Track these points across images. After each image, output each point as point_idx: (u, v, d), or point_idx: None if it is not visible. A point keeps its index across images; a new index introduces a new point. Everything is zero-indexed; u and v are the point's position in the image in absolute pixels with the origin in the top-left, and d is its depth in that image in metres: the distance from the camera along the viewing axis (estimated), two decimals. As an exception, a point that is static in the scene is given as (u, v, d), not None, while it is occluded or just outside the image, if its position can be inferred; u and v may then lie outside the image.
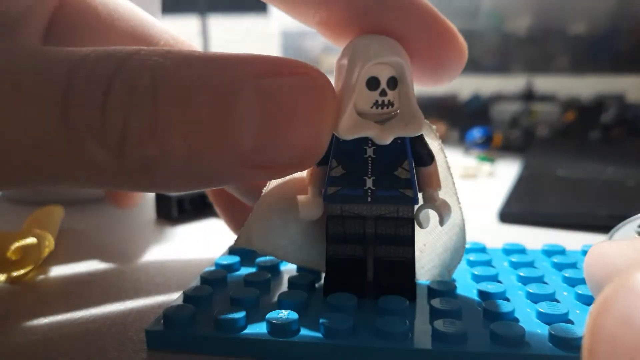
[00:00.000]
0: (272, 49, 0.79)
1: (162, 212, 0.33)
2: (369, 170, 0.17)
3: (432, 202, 0.18)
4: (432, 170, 0.17)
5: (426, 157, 0.17)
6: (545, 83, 0.72)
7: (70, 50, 0.14)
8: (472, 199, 0.38)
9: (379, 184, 0.17)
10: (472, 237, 0.24)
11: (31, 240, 0.23)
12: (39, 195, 0.36)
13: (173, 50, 0.14)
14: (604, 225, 0.28)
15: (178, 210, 0.32)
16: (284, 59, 0.14)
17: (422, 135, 0.17)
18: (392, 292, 0.18)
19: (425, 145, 0.17)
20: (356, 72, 0.16)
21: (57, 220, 0.28)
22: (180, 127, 0.13)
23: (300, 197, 0.18)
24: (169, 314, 0.17)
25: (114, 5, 0.22)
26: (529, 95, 0.59)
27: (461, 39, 0.18)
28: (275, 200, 0.19)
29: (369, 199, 0.17)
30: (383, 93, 0.16)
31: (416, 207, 0.18)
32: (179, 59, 0.14)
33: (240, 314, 0.16)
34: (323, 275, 0.19)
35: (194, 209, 0.33)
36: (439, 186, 0.18)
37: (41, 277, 0.23)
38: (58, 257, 0.26)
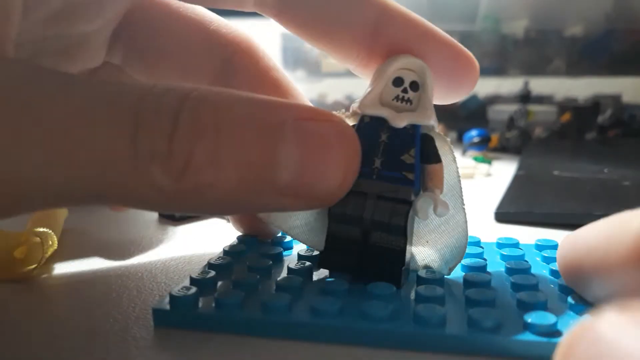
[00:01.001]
0: (272, 50, 0.79)
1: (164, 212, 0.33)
2: (380, 152, 0.19)
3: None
4: (437, 168, 0.19)
5: (432, 156, 0.19)
6: (542, 84, 0.72)
7: (136, 83, 0.16)
8: (469, 199, 0.38)
9: (386, 165, 0.19)
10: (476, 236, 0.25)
11: (35, 239, 0.24)
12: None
13: (226, 90, 0.16)
14: (600, 224, 0.28)
15: (180, 210, 0.32)
16: (320, 109, 0.17)
17: (432, 138, 0.19)
18: (380, 278, 0.19)
19: (434, 146, 0.19)
20: (387, 72, 0.19)
21: (60, 220, 0.28)
22: (235, 158, 0.15)
23: None
24: (175, 294, 0.18)
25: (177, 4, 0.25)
26: (525, 97, 0.60)
27: (476, 62, 0.21)
28: None
29: (374, 176, 0.19)
30: (405, 91, 0.19)
31: (415, 199, 0.19)
32: (234, 98, 0.16)
33: (240, 296, 0.18)
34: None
35: (195, 208, 0.33)
36: (441, 185, 0.19)
37: (45, 275, 0.23)
38: (62, 255, 0.26)
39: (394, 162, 0.19)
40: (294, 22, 0.22)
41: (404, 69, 0.19)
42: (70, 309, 0.20)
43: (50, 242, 0.25)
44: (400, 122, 0.19)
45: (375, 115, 0.19)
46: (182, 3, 0.24)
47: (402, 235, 0.19)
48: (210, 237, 0.29)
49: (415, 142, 0.19)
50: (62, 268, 0.24)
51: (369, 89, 0.19)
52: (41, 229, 0.25)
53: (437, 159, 0.19)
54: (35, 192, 0.15)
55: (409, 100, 0.19)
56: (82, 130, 0.15)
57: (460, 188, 0.20)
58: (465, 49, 0.21)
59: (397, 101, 0.19)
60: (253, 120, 0.16)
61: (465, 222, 0.20)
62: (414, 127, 0.19)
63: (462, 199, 0.20)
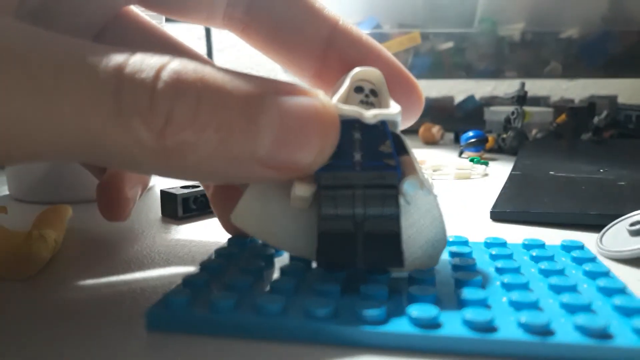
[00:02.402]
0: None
1: (168, 212, 0.33)
2: (357, 148, 0.19)
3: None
4: (408, 158, 0.20)
5: (402, 149, 0.20)
6: (538, 86, 0.72)
7: (119, 47, 0.16)
8: (465, 200, 0.38)
9: (366, 157, 0.19)
10: (466, 234, 0.25)
11: (39, 239, 0.24)
12: (48, 195, 0.36)
13: (210, 62, 0.17)
14: (596, 224, 0.28)
15: (183, 209, 0.32)
16: (299, 85, 0.17)
17: (399, 134, 0.20)
18: (381, 263, 0.19)
19: (402, 140, 0.20)
20: (347, 82, 0.20)
21: (64, 219, 0.28)
22: (215, 121, 0.16)
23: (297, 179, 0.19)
24: (168, 298, 0.18)
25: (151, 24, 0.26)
26: (521, 98, 0.59)
27: (419, 89, 0.23)
28: (270, 185, 0.20)
29: (357, 168, 0.19)
30: (366, 96, 0.21)
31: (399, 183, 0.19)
32: (217, 68, 0.16)
33: (233, 299, 0.17)
34: (314, 264, 0.21)
35: (198, 208, 0.33)
36: (416, 172, 0.20)
37: (47, 275, 0.23)
38: (65, 255, 0.26)
39: (373, 153, 0.19)
40: (257, 37, 0.23)
41: (361, 80, 0.21)
42: (71, 309, 0.20)
43: (54, 242, 0.25)
44: (373, 117, 0.19)
45: (346, 117, 0.19)
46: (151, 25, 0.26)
47: (396, 219, 0.19)
48: (214, 236, 0.29)
49: (387, 135, 0.19)
50: (64, 268, 0.24)
51: (335, 97, 0.20)
52: (45, 229, 0.25)
53: (407, 151, 0.20)
54: (22, 142, 0.15)
55: (372, 104, 0.20)
56: (68, 83, 0.15)
57: (430, 184, 0.21)
58: (408, 73, 0.23)
59: (362, 104, 0.20)
60: (234, 88, 0.16)
61: (442, 215, 0.21)
62: (382, 124, 0.20)
63: (434, 195, 0.21)
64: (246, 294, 0.19)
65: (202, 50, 0.76)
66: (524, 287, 0.19)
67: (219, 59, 0.79)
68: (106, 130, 0.15)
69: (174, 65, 0.16)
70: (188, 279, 0.19)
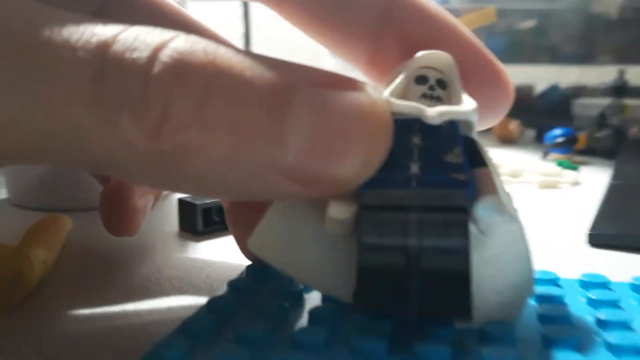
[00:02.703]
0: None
1: (186, 224, 0.31)
2: (415, 156, 0.17)
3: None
4: (486, 171, 0.17)
5: (479, 159, 0.17)
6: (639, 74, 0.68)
7: (113, 20, 0.14)
8: (553, 215, 0.36)
9: (426, 169, 0.16)
10: (555, 264, 0.22)
11: (25, 258, 0.22)
12: (48, 200, 0.36)
13: (224, 40, 0.14)
14: None
15: (204, 222, 0.31)
16: (342, 75, 0.15)
17: (474, 140, 0.18)
18: (442, 311, 0.16)
19: (478, 148, 0.17)
20: (407, 71, 0.18)
21: (61, 233, 0.27)
22: (229, 119, 0.13)
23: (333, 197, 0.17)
24: (159, 349, 0.15)
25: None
26: (620, 89, 0.56)
27: (507, 78, 0.20)
28: (298, 204, 0.18)
29: (414, 184, 0.16)
30: (431, 88, 0.18)
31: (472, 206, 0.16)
32: (233, 49, 0.14)
33: (243, 356, 0.15)
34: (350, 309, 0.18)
35: (222, 220, 0.31)
36: (494, 191, 0.17)
37: (34, 302, 0.22)
38: (59, 276, 0.25)
39: (436, 165, 0.16)
40: (296, 10, 0.21)
41: (425, 67, 0.18)
42: (55, 349, 0.18)
43: (43, 264, 0.23)
44: (438, 116, 0.16)
45: (402, 117, 0.16)
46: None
47: (464, 254, 0.16)
48: (238, 257, 0.26)
49: (457, 139, 0.17)
50: (55, 294, 0.23)
51: (388, 90, 0.18)
52: (34, 247, 0.23)
53: (484, 163, 0.17)
54: None
55: (438, 98, 0.18)
56: (38, 64, 0.13)
57: (514, 208, 0.18)
58: (493, 57, 0.20)
59: (425, 99, 0.18)
60: (256, 77, 0.14)
61: (528, 251, 0.17)
62: (451, 126, 0.17)
63: (520, 223, 0.18)
64: (262, 348, 0.16)
65: (238, 32, 0.75)
66: (637, 350, 0.16)
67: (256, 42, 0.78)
68: (85, 126, 0.13)
69: (177, 43, 0.13)
70: (188, 323, 0.17)
